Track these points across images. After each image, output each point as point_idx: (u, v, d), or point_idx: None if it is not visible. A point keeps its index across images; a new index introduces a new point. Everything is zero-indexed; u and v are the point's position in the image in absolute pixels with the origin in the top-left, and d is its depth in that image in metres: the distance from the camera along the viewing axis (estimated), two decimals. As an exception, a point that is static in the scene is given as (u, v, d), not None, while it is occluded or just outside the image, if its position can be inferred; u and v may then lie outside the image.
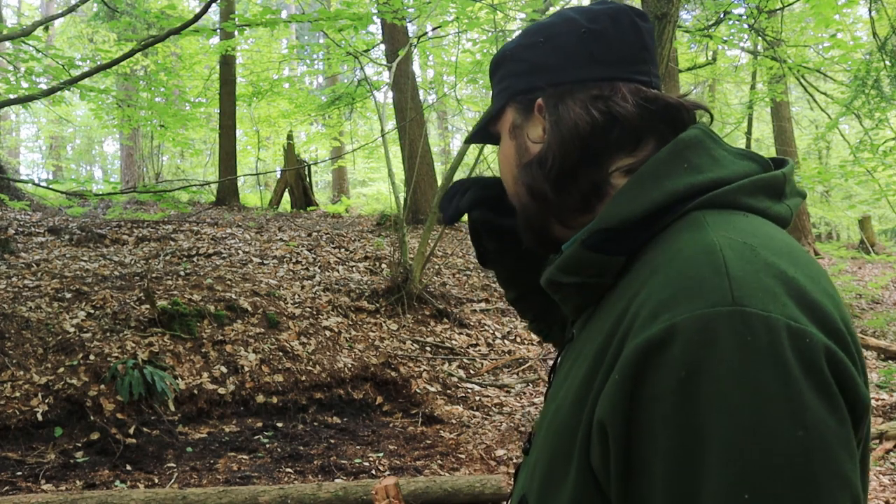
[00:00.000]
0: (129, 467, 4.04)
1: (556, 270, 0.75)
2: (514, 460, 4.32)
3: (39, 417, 4.24)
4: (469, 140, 0.97)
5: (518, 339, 6.74)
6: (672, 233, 0.67)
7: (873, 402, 5.97)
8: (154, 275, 6.19)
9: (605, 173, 0.76)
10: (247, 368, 5.06)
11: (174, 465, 4.11)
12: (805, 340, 0.55)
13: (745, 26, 7.28)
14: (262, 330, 5.50)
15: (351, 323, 6.03)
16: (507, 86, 0.83)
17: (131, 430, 4.35)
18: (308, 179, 12.92)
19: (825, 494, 0.52)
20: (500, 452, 4.46)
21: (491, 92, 0.89)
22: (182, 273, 6.30)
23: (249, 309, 5.68)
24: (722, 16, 6.72)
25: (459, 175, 11.51)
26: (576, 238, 0.74)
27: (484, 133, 0.92)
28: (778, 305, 0.56)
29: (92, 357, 4.67)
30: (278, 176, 13.58)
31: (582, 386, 0.65)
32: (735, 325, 0.55)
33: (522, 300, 1.09)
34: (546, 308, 1.06)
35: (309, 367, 5.25)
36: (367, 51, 10.27)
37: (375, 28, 12.47)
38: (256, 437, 4.59)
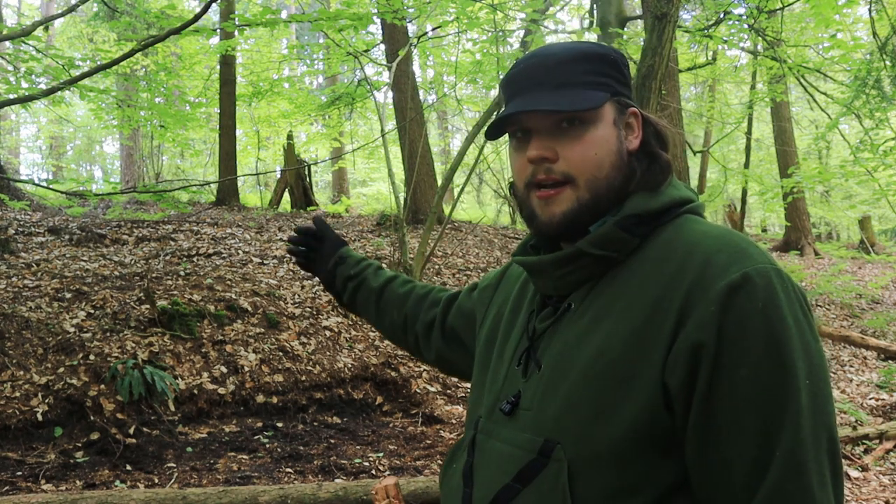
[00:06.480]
0: (129, 467, 4.04)
1: (587, 244, 0.93)
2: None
3: (39, 417, 4.24)
4: (546, 109, 0.93)
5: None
6: (677, 225, 0.94)
7: (873, 402, 5.99)
8: (154, 275, 6.19)
9: None
10: (247, 368, 5.06)
11: (174, 465, 4.11)
12: (799, 289, 0.87)
13: (745, 26, 7.27)
14: (262, 330, 5.50)
15: (351, 323, 6.03)
16: (608, 84, 0.97)
17: (131, 430, 4.35)
18: (308, 179, 12.92)
19: (827, 381, 0.84)
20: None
21: (572, 78, 0.96)
22: (182, 273, 6.29)
23: (249, 309, 5.67)
24: (722, 16, 6.71)
25: (459, 175, 11.49)
26: (605, 220, 0.95)
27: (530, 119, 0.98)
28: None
29: (92, 357, 4.67)
30: (278, 176, 13.57)
31: (638, 332, 0.86)
32: (779, 275, 0.85)
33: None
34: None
35: (309, 367, 5.25)
36: (367, 51, 10.27)
37: (375, 28, 12.46)
38: (256, 437, 4.59)
